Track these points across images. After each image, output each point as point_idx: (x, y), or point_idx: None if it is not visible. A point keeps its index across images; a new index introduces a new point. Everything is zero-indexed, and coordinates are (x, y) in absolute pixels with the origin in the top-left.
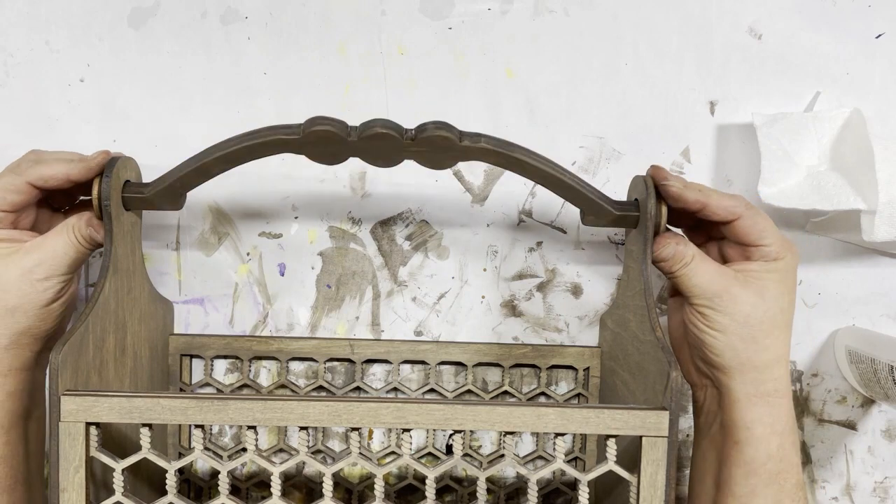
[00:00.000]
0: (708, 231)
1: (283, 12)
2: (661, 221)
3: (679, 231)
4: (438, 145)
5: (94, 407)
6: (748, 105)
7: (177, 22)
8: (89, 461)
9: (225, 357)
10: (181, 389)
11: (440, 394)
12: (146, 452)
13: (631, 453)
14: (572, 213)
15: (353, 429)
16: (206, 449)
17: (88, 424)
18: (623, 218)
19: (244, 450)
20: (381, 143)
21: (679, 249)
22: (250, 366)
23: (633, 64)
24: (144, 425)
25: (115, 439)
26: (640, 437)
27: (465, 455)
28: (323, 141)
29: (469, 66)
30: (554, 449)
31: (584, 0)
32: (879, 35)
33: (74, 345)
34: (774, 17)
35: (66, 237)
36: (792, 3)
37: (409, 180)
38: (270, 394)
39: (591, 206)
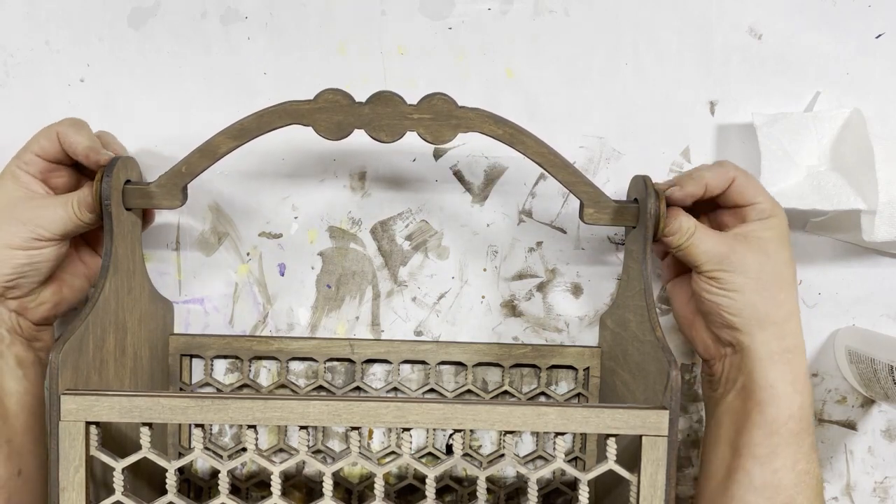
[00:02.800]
0: (697, 207)
1: (283, 12)
2: (661, 219)
3: None
4: (439, 109)
5: (95, 406)
6: (748, 105)
7: (177, 22)
8: (89, 460)
9: (225, 357)
10: (181, 389)
11: (440, 394)
12: (146, 452)
13: (631, 452)
14: (572, 212)
15: (353, 428)
16: (206, 448)
17: (88, 424)
18: (622, 211)
19: (244, 449)
20: (385, 111)
21: (683, 221)
22: (250, 366)
23: (633, 64)
24: (144, 424)
25: (115, 439)
26: (640, 436)
27: (465, 455)
28: (332, 107)
29: (469, 66)
30: (554, 449)
31: (584, 0)
32: (879, 35)
33: (74, 344)
34: (774, 17)
35: (63, 208)
36: (792, 3)
37: (409, 180)
38: (270, 394)
39: (589, 193)
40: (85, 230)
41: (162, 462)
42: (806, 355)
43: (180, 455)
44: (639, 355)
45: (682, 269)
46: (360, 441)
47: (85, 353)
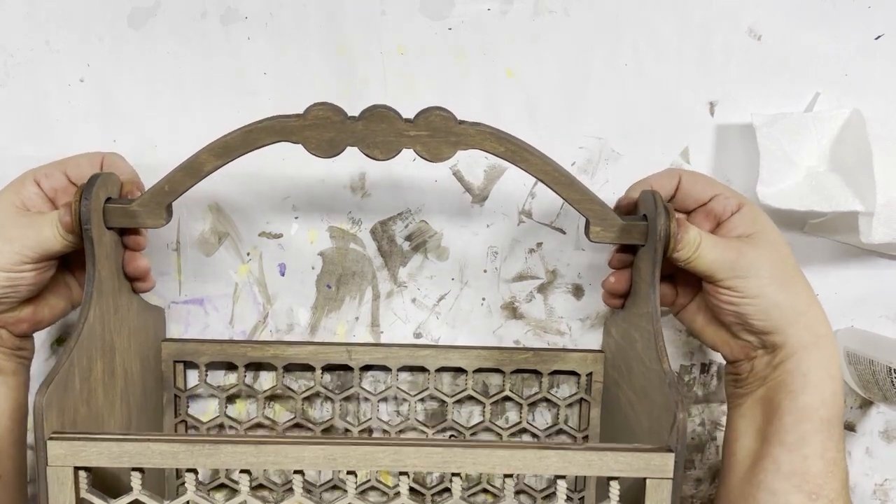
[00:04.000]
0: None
1: (283, 12)
2: (672, 238)
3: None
4: (437, 126)
5: (83, 451)
6: (748, 105)
7: (177, 22)
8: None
9: (219, 364)
10: (175, 396)
11: (439, 399)
12: (137, 494)
13: (635, 491)
14: (573, 213)
15: (349, 472)
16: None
17: (77, 469)
18: (629, 229)
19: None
20: (380, 127)
21: (689, 232)
22: (245, 372)
23: (633, 64)
24: (135, 469)
25: (107, 479)
26: (645, 478)
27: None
28: (323, 123)
29: (469, 66)
30: (556, 490)
31: (584, 0)
32: (879, 36)
33: (60, 383)
34: (774, 17)
35: (49, 228)
36: (792, 3)
37: (409, 181)
38: (267, 399)
39: (595, 211)
40: (72, 249)
41: None
42: (835, 344)
43: (177, 472)
44: (644, 380)
45: (689, 297)
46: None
47: (71, 388)
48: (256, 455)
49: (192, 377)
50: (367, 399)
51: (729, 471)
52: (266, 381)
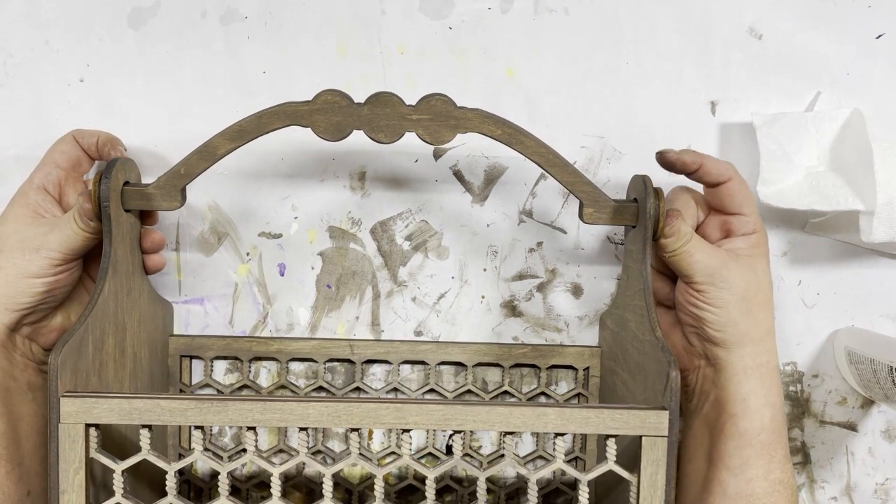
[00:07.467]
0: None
1: (283, 12)
2: (661, 219)
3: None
4: (437, 110)
5: (94, 408)
6: (749, 105)
7: (176, 22)
8: (89, 462)
9: (225, 358)
10: (181, 390)
11: (440, 394)
12: (146, 454)
13: (631, 452)
14: (572, 213)
15: (353, 429)
16: (206, 450)
17: (88, 426)
18: (621, 210)
19: (244, 450)
20: (384, 111)
21: (681, 225)
22: (250, 367)
23: (633, 64)
24: (144, 426)
25: (115, 440)
26: (640, 436)
27: (465, 455)
28: (331, 108)
29: (469, 66)
30: (554, 449)
31: None
32: (879, 35)
33: (74, 346)
34: (774, 17)
35: (69, 226)
36: (792, 3)
37: (409, 180)
38: (270, 394)
39: (588, 192)
40: (94, 241)
41: (162, 464)
42: (779, 369)
43: (180, 456)
44: (638, 355)
45: (663, 283)
46: (359, 442)
47: (84, 355)
48: (263, 412)
49: (197, 373)
50: (368, 395)
51: (682, 493)
52: (269, 377)
